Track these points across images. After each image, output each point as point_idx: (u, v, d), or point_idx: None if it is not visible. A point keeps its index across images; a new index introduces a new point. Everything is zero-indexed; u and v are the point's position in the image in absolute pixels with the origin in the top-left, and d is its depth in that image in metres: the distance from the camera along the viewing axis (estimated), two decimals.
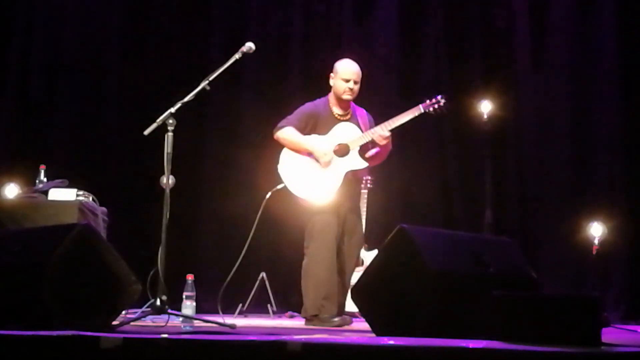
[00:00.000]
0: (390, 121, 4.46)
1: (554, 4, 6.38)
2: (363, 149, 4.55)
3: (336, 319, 4.33)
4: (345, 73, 4.60)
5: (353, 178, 4.58)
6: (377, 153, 4.55)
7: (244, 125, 6.46)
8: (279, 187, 4.53)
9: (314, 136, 4.57)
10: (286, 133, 4.55)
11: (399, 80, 6.45)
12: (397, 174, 6.35)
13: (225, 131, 6.57)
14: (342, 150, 4.55)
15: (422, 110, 4.44)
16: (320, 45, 6.51)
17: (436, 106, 4.45)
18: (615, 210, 5.78)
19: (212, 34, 6.60)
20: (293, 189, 4.49)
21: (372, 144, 4.54)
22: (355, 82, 4.59)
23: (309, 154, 4.53)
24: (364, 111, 4.71)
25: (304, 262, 4.48)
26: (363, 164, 4.53)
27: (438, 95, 4.48)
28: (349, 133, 4.55)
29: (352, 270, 4.63)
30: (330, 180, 4.47)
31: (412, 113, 4.45)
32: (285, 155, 4.57)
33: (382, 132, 4.43)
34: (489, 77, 6.22)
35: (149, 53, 6.60)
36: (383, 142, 4.45)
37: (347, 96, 4.58)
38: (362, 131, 4.56)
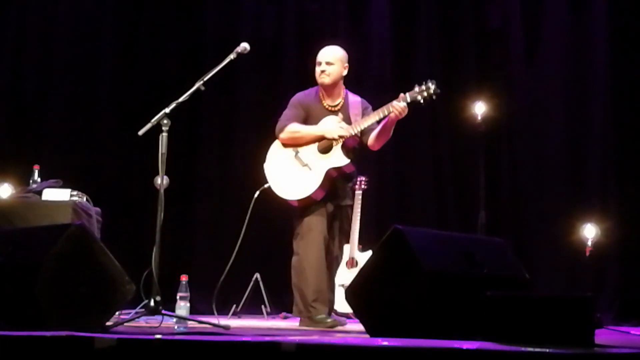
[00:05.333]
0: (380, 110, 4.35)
1: (546, 5, 6.40)
2: (347, 144, 4.44)
3: (329, 320, 4.33)
4: (317, 57, 4.53)
5: (339, 176, 4.46)
6: (381, 131, 4.38)
7: (239, 126, 6.47)
8: (266, 186, 4.49)
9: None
10: (292, 129, 4.48)
11: (393, 82, 6.45)
12: (391, 174, 6.37)
13: (219, 132, 6.58)
14: (325, 146, 4.45)
15: (408, 100, 4.25)
16: (315, 44, 6.51)
17: (425, 94, 4.25)
18: (608, 212, 5.82)
19: (205, 33, 6.61)
20: (275, 188, 4.45)
21: (375, 124, 4.40)
22: (327, 64, 4.48)
23: (317, 140, 4.43)
24: (359, 99, 4.57)
25: (293, 260, 4.47)
26: (344, 161, 4.40)
27: (428, 81, 4.27)
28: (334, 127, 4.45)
29: (338, 266, 4.69)
30: (310, 179, 4.39)
31: (399, 101, 4.24)
32: (271, 154, 4.55)
33: (398, 104, 4.22)
34: (483, 78, 6.24)
35: (143, 53, 6.61)
36: (397, 112, 4.23)
37: (321, 79, 4.49)
38: (352, 122, 4.44)
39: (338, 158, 4.40)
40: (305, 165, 4.43)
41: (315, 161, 4.42)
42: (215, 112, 6.57)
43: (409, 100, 4.26)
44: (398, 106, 4.25)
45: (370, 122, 4.38)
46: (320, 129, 4.44)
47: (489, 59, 6.40)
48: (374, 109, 4.50)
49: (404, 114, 4.27)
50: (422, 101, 4.27)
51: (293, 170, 4.45)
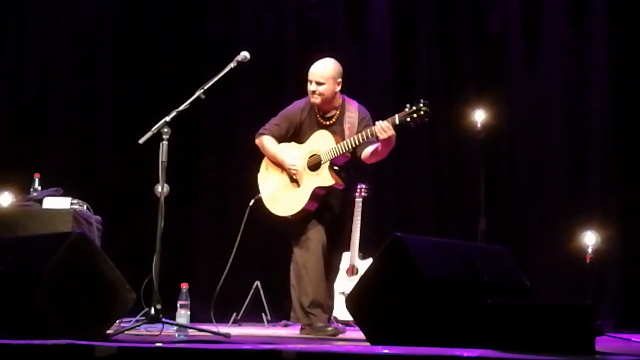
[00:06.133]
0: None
1: (546, 13, 6.41)
2: (334, 162, 4.32)
3: (330, 328, 4.33)
4: (309, 73, 4.38)
5: (328, 193, 4.37)
6: (375, 149, 4.26)
7: (239, 134, 6.46)
8: (259, 195, 4.50)
9: (291, 145, 4.48)
10: (263, 142, 4.49)
11: (393, 89, 6.45)
12: (391, 182, 6.37)
13: (220, 140, 6.58)
14: (314, 162, 4.36)
15: (397, 122, 4.05)
16: (315, 47, 6.52)
17: (415, 115, 4.02)
18: (608, 219, 5.81)
19: (206, 37, 6.61)
20: (266, 202, 4.46)
21: (374, 139, 4.21)
22: (317, 83, 4.32)
23: (282, 166, 4.45)
24: (356, 110, 4.41)
25: (292, 267, 4.46)
26: (330, 181, 4.29)
27: (420, 101, 4.04)
28: (323, 143, 4.34)
29: (336, 274, 4.69)
30: (297, 197, 4.36)
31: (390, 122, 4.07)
32: (264, 165, 4.55)
33: (383, 124, 4.06)
34: (483, 85, 6.23)
35: (144, 60, 6.61)
36: (384, 136, 4.08)
37: (312, 100, 4.37)
38: (345, 136, 4.33)
39: (325, 178, 4.31)
40: (295, 181, 4.41)
41: (304, 177, 4.38)
42: (215, 118, 6.56)
43: (397, 122, 4.07)
44: (375, 130, 4.07)
45: (350, 146, 4.22)
46: (283, 158, 4.39)
47: (489, 66, 6.40)
48: (372, 115, 4.49)
49: (389, 136, 4.07)
50: (412, 125, 4.06)
51: (282, 185, 4.44)
